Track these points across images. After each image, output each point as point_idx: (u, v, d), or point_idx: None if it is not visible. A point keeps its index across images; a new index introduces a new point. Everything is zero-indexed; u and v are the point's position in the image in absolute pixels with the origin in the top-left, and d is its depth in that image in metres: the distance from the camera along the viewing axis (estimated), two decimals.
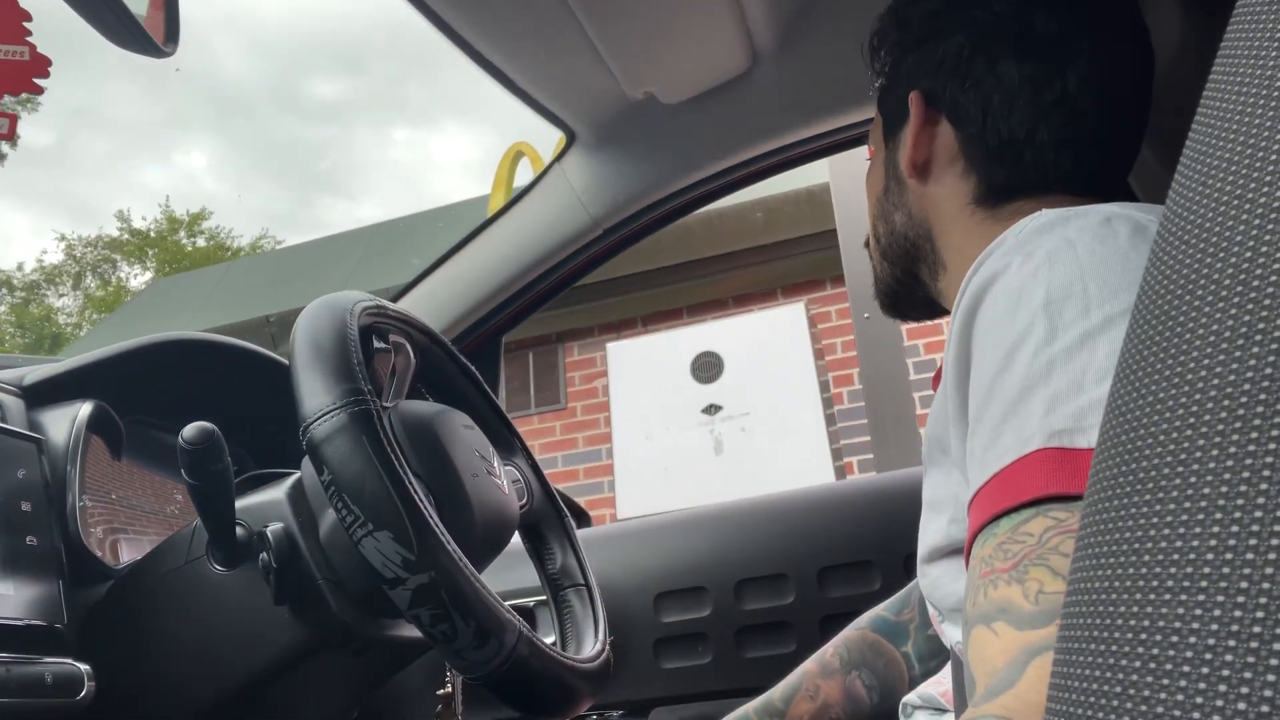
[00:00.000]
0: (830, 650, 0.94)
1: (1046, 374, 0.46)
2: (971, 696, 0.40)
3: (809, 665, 0.94)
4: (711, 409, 4.83)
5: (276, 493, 0.72)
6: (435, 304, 1.29)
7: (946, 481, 0.61)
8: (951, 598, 0.63)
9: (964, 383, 0.53)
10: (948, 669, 0.74)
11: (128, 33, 0.70)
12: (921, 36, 0.71)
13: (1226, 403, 0.21)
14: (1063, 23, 0.65)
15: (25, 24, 0.69)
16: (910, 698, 0.78)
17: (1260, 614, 0.19)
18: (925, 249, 0.73)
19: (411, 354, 0.82)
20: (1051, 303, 0.48)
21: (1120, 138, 0.67)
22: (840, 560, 1.21)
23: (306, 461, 0.72)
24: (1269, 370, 0.20)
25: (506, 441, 0.95)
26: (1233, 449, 0.20)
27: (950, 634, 0.67)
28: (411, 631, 0.77)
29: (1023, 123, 0.65)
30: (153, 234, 20.23)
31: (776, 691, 0.93)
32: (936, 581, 0.64)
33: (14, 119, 0.70)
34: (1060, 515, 0.42)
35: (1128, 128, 0.67)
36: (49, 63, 0.69)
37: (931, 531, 0.64)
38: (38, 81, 0.68)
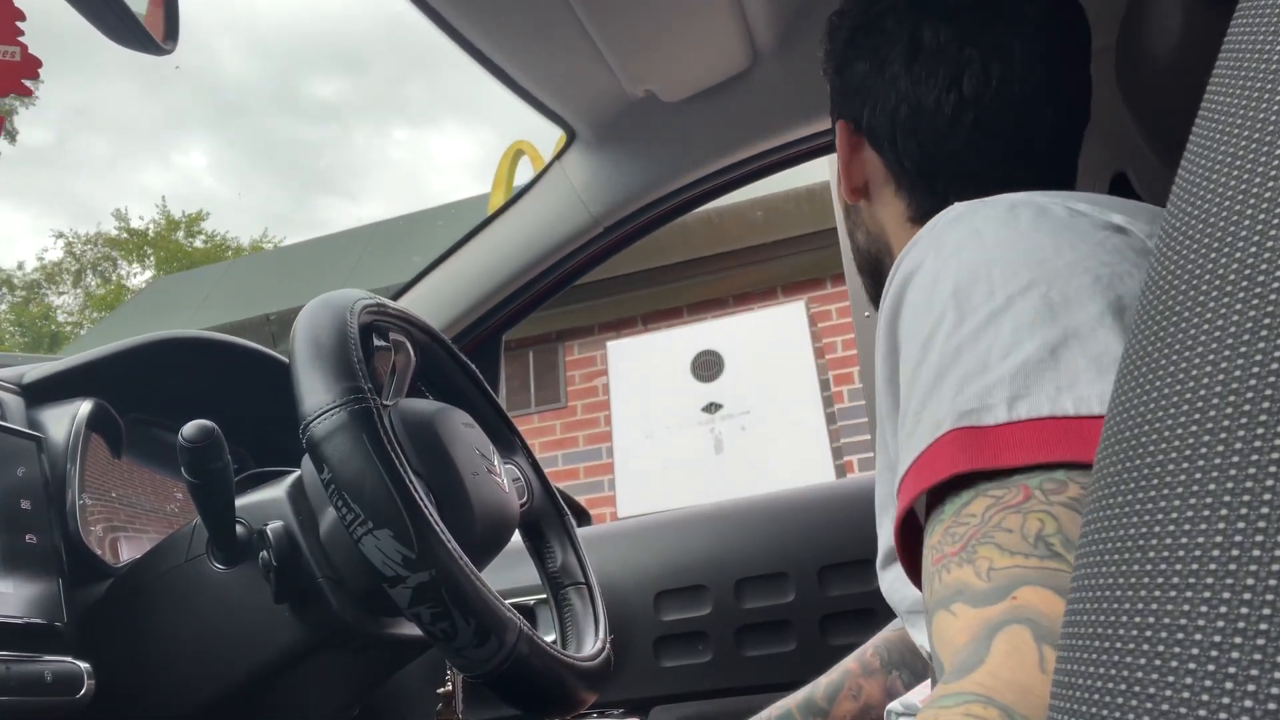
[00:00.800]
0: (870, 650, 0.93)
1: (955, 357, 0.47)
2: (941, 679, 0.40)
3: (850, 664, 0.93)
4: (712, 407, 4.83)
5: (276, 491, 0.72)
6: (435, 302, 1.29)
7: (893, 481, 0.61)
8: (906, 601, 0.64)
9: (894, 379, 0.54)
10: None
11: (128, 30, 0.70)
12: (839, 65, 0.73)
13: (1232, 398, 0.21)
14: (951, 31, 0.65)
15: (18, 23, 0.69)
16: (894, 705, 0.78)
17: (1267, 610, 0.18)
18: (887, 262, 0.74)
19: (412, 352, 0.82)
20: (959, 290, 0.49)
21: (1040, 128, 0.66)
22: (840, 559, 1.21)
23: (306, 460, 0.72)
24: (1275, 365, 0.20)
25: (507, 440, 0.95)
26: (1238, 444, 0.20)
27: (916, 637, 0.67)
28: (412, 630, 0.77)
29: (931, 136, 0.66)
30: (151, 234, 20.24)
31: (819, 689, 0.92)
32: (893, 585, 0.64)
33: (1, 119, 0.70)
34: (998, 493, 0.42)
35: (1048, 116, 0.66)
36: (39, 64, 0.69)
37: (883, 535, 0.64)
38: (26, 83, 0.68)
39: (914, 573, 0.51)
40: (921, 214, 0.69)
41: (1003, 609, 0.38)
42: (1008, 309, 0.47)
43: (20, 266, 21.11)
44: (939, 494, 0.46)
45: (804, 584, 1.21)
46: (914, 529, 0.50)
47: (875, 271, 0.77)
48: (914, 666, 0.91)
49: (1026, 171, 0.66)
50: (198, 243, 20.22)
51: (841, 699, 0.91)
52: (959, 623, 0.40)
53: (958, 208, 0.55)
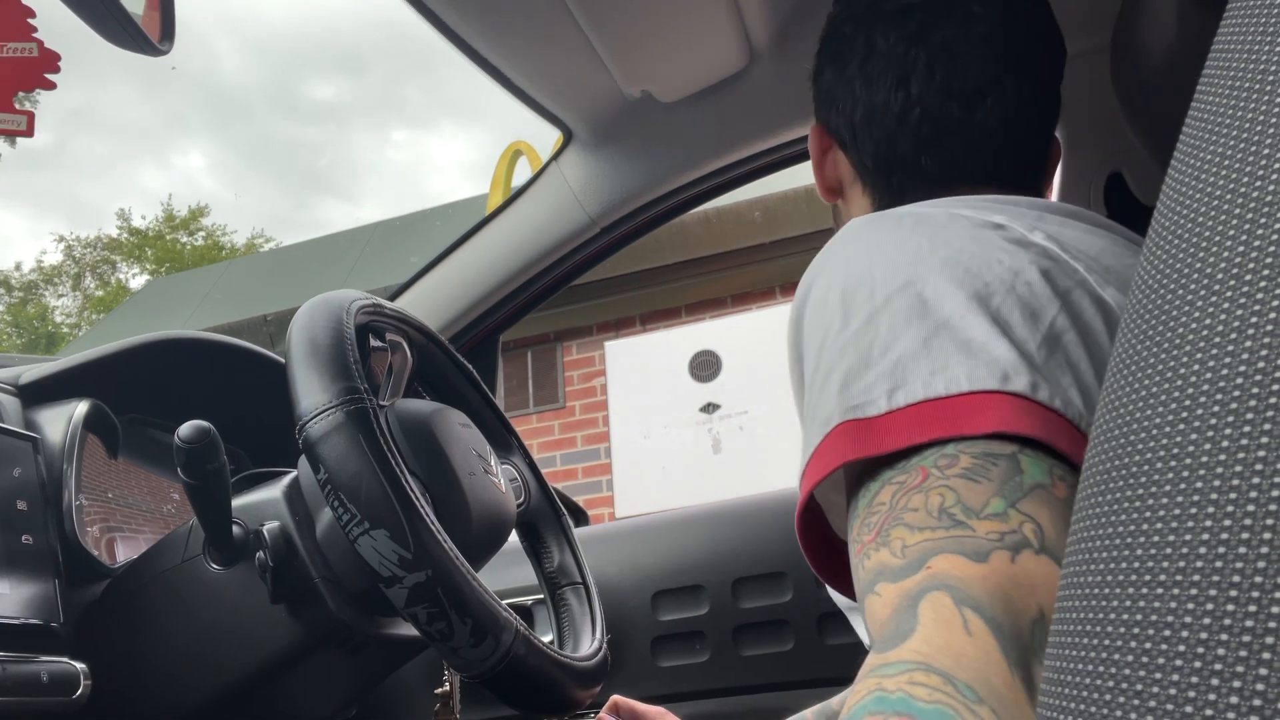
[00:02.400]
0: None
1: (840, 356, 0.50)
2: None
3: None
4: (710, 407, 4.83)
5: (273, 491, 0.72)
6: (432, 302, 1.29)
7: None
8: (844, 600, 0.67)
9: (800, 384, 0.57)
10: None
11: (124, 31, 0.70)
12: (814, 71, 0.76)
13: (1219, 397, 0.21)
14: (899, 34, 0.67)
15: (30, 20, 0.69)
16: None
17: (1253, 608, 0.19)
18: None
19: (408, 352, 0.82)
20: (845, 294, 0.52)
21: (994, 123, 0.66)
22: None
23: (303, 460, 0.72)
24: (1261, 365, 0.20)
25: (504, 440, 0.95)
26: (1225, 443, 0.20)
27: (859, 630, 0.70)
28: (409, 630, 0.77)
29: (885, 137, 0.68)
30: (150, 233, 20.23)
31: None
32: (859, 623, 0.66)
33: (31, 116, 0.70)
34: (900, 479, 0.45)
35: (1000, 112, 0.67)
36: (58, 58, 0.69)
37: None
38: (49, 77, 0.69)
39: (815, 560, 0.57)
40: (887, 200, 0.71)
41: (920, 579, 0.40)
42: (885, 308, 0.49)
43: (18, 267, 21.09)
44: (851, 490, 0.49)
45: (802, 583, 1.21)
46: (813, 523, 0.55)
47: None
48: None
49: (982, 164, 0.67)
50: (196, 240, 20.22)
51: None
52: (883, 600, 0.42)
53: (856, 222, 0.58)
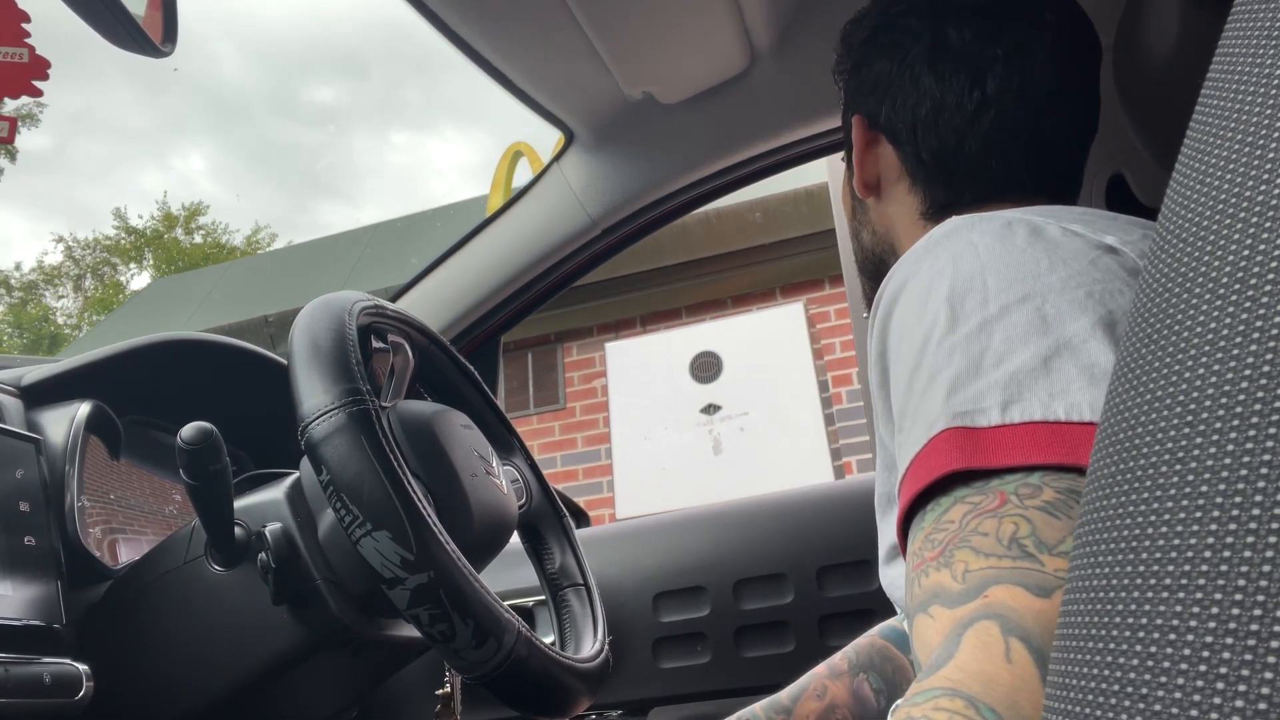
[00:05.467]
0: (839, 655, 0.94)
1: (948, 360, 0.48)
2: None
3: (819, 668, 0.94)
4: (710, 409, 4.83)
5: (275, 493, 0.72)
6: (434, 304, 1.29)
7: (891, 480, 0.62)
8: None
9: (885, 382, 0.55)
10: None
11: (125, 32, 0.70)
12: (858, 62, 0.74)
13: (1224, 400, 0.21)
14: (975, 32, 0.67)
15: (24, 25, 0.69)
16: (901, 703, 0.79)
17: (1258, 611, 0.19)
18: (890, 262, 0.75)
19: (410, 354, 0.82)
20: (954, 295, 0.50)
21: (1054, 134, 0.67)
22: (839, 560, 1.21)
23: (305, 461, 0.72)
24: (1266, 368, 0.20)
25: (505, 441, 0.95)
26: (1230, 446, 0.20)
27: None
28: (410, 631, 0.77)
29: (951, 134, 0.67)
30: (148, 233, 20.22)
31: (785, 692, 0.93)
32: (895, 582, 0.65)
33: (14, 122, 0.70)
34: (975, 499, 0.43)
35: (1061, 123, 0.67)
36: (48, 65, 0.69)
37: (884, 533, 0.65)
38: (36, 84, 0.68)
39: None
40: (935, 208, 0.70)
41: (974, 607, 0.39)
42: (1001, 318, 0.48)
43: (18, 267, 21.10)
44: (921, 502, 0.47)
45: (802, 585, 1.21)
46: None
47: (877, 272, 0.78)
48: (882, 670, 0.91)
49: (1039, 172, 0.67)
50: (196, 238, 20.22)
51: (806, 698, 0.91)
52: (935, 624, 0.41)
53: (954, 221, 0.57)
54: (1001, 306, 0.48)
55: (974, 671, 0.36)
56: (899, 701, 0.38)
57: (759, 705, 0.93)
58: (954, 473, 0.44)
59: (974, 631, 0.38)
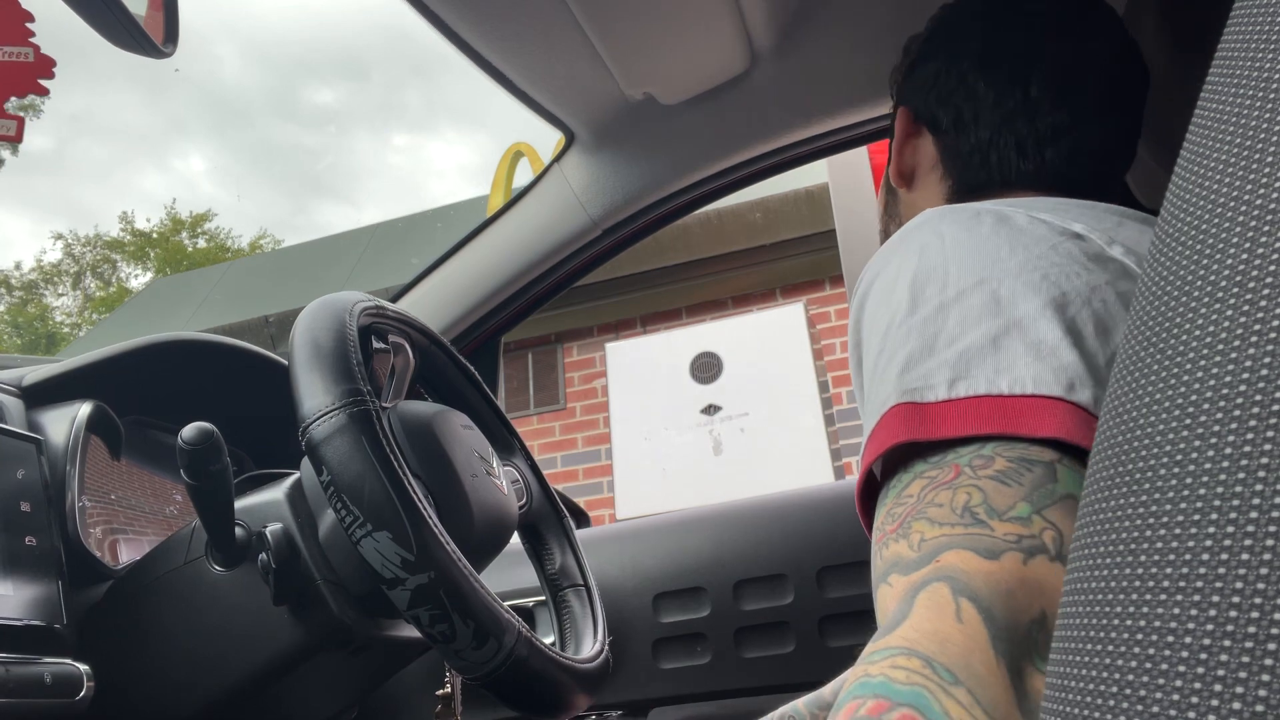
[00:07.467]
0: None
1: (904, 341, 0.50)
2: None
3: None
4: (710, 409, 4.83)
5: (276, 493, 0.72)
6: (434, 304, 1.29)
7: None
8: None
9: (860, 368, 0.57)
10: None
11: (126, 33, 0.70)
12: (914, 62, 0.77)
13: (1223, 403, 0.21)
14: (1022, 36, 0.70)
15: (28, 24, 0.69)
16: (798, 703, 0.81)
17: (1255, 614, 0.19)
18: None
19: (411, 354, 0.82)
20: (915, 283, 0.52)
21: (1090, 136, 0.69)
22: (839, 560, 1.21)
23: (306, 462, 0.72)
24: (1265, 371, 0.20)
25: (505, 442, 0.95)
26: (1228, 449, 0.20)
27: None
28: (411, 632, 0.77)
29: (988, 129, 0.70)
30: (155, 235, 20.24)
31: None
32: None
33: (21, 121, 0.70)
34: (933, 474, 0.45)
35: (1099, 126, 0.69)
36: (53, 63, 0.69)
37: None
38: (42, 83, 0.69)
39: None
40: (966, 189, 0.71)
41: (926, 571, 0.41)
42: (957, 302, 0.50)
43: (18, 267, 21.09)
44: (884, 477, 0.49)
45: (803, 585, 1.21)
46: (873, 495, 0.54)
47: None
48: None
49: (1069, 179, 0.69)
50: (200, 242, 20.24)
51: None
52: (892, 590, 0.42)
53: (927, 213, 0.58)
54: (959, 290, 0.50)
55: (928, 631, 0.37)
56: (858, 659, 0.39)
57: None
58: (911, 446, 0.46)
59: (926, 593, 0.39)
